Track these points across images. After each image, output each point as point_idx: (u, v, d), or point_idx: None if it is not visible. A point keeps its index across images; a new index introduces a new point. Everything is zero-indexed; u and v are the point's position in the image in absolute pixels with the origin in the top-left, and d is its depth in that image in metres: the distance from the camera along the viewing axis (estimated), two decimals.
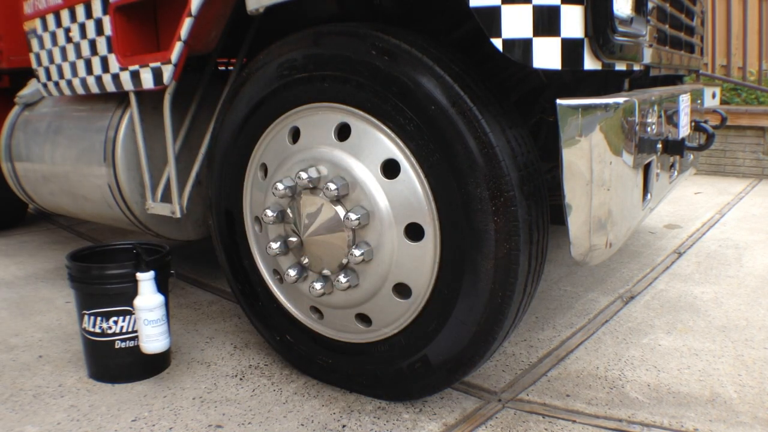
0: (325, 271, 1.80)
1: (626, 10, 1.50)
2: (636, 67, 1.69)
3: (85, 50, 2.51)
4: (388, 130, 1.64)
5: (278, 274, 2.00)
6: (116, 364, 2.07)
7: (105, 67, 2.43)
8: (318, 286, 1.79)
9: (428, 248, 1.65)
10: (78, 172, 2.77)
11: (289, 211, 1.83)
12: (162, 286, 1.97)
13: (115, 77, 2.38)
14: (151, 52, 2.28)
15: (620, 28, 1.46)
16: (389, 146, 1.65)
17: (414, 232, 1.66)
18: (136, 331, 2.02)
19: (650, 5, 1.70)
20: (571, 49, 1.42)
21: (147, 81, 2.24)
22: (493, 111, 1.55)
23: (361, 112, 1.68)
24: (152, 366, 2.14)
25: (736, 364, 2.09)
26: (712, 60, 6.13)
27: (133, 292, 1.93)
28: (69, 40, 2.59)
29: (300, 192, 1.79)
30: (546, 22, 1.40)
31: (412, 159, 1.62)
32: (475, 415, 1.82)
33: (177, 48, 2.05)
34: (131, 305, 1.95)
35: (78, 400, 1.98)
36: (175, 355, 2.27)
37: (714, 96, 2.99)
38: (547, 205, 1.67)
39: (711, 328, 2.39)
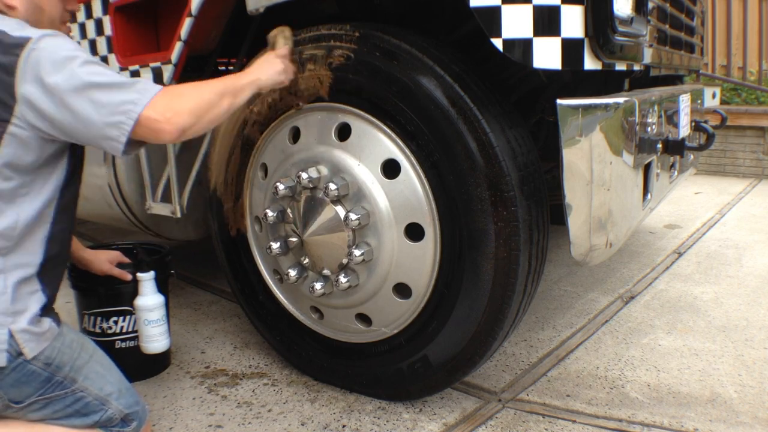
0: (326, 271, 1.80)
1: (626, 10, 1.50)
2: (636, 67, 1.69)
3: (86, 51, 2.50)
4: (389, 130, 1.64)
5: (278, 274, 2.00)
6: (116, 364, 2.07)
7: None
8: (318, 286, 1.79)
9: (428, 248, 1.65)
10: None
11: (289, 211, 1.83)
12: (162, 286, 1.97)
13: None
14: (151, 52, 2.27)
15: (620, 28, 1.46)
16: (389, 146, 1.65)
17: (414, 232, 1.66)
18: (136, 331, 2.02)
19: (650, 5, 1.70)
20: (571, 49, 1.42)
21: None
22: (494, 111, 1.55)
23: (361, 112, 1.68)
24: (152, 366, 2.14)
25: (736, 364, 2.09)
26: (712, 60, 6.13)
27: (133, 292, 1.93)
28: None
29: (300, 192, 1.79)
30: (546, 22, 1.40)
31: (413, 159, 1.62)
32: (475, 415, 1.82)
33: (177, 48, 2.05)
34: (131, 305, 1.95)
35: None
36: (175, 355, 2.27)
37: (714, 96, 2.99)
38: (547, 205, 1.67)
39: (711, 328, 2.39)
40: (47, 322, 1.38)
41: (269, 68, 1.58)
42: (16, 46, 1.26)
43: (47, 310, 1.41)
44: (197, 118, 1.35)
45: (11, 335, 1.29)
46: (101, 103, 1.27)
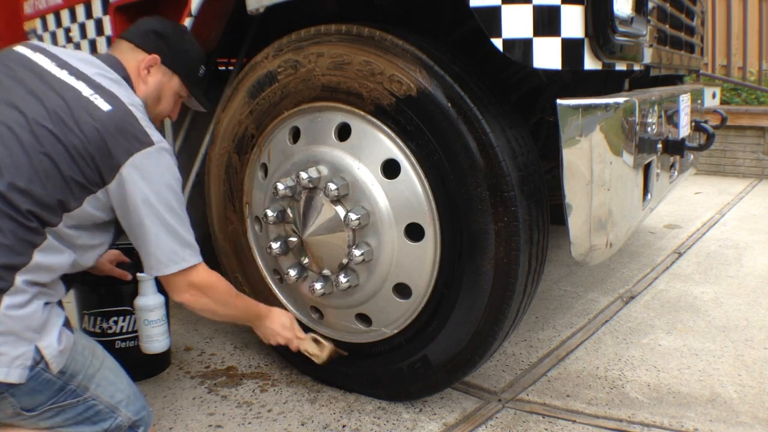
0: (326, 271, 1.80)
1: (626, 10, 1.50)
2: (636, 67, 1.69)
3: (86, 50, 2.50)
4: (389, 130, 1.64)
5: (278, 274, 2.00)
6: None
7: None
8: (318, 286, 1.79)
9: (428, 248, 1.65)
10: None
11: (289, 211, 1.83)
12: (162, 286, 1.97)
13: None
14: None
15: (620, 28, 1.46)
16: (389, 146, 1.65)
17: (414, 232, 1.66)
18: (136, 331, 2.01)
19: (650, 5, 1.70)
20: (571, 49, 1.42)
21: None
22: (493, 111, 1.55)
23: (361, 112, 1.68)
24: (152, 366, 2.14)
25: (736, 364, 2.09)
26: (712, 60, 6.12)
27: (133, 292, 1.93)
28: (69, 40, 2.59)
29: (300, 192, 1.79)
30: (546, 22, 1.40)
31: (413, 159, 1.62)
32: (475, 415, 1.82)
33: None
34: (131, 305, 1.95)
35: None
36: (175, 355, 2.27)
37: (714, 96, 2.98)
38: (547, 205, 1.67)
39: (711, 328, 2.39)
40: (66, 333, 1.39)
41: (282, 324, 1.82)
42: (142, 141, 1.38)
43: (65, 321, 1.42)
44: (209, 308, 1.57)
45: (38, 351, 1.30)
46: (170, 244, 1.43)
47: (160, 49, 1.63)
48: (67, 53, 1.50)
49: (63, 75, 1.40)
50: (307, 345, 1.84)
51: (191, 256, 1.47)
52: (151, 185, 1.39)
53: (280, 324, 1.81)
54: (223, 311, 1.62)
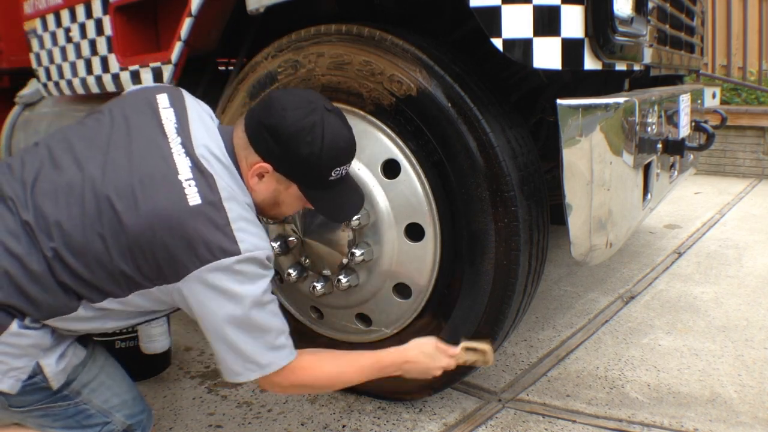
0: (326, 271, 1.80)
1: (626, 10, 1.50)
2: (636, 67, 1.69)
3: (85, 50, 2.51)
4: (389, 130, 1.64)
5: (278, 274, 2.00)
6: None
7: (105, 67, 2.43)
8: (318, 286, 1.79)
9: (428, 248, 1.65)
10: None
11: None
12: None
13: (115, 77, 2.38)
14: (151, 52, 2.27)
15: (620, 28, 1.46)
16: (389, 146, 1.65)
17: (414, 232, 1.66)
18: (136, 331, 2.02)
19: (650, 5, 1.70)
20: (571, 49, 1.42)
21: (147, 81, 2.24)
22: (494, 111, 1.55)
23: (361, 112, 1.68)
24: (152, 366, 2.13)
25: (736, 364, 2.09)
26: (712, 60, 6.12)
27: None
28: (69, 40, 2.59)
29: None
30: (546, 22, 1.40)
31: (413, 159, 1.62)
32: (475, 415, 1.82)
33: (177, 48, 2.05)
34: None
35: None
36: (175, 355, 2.27)
37: (714, 96, 2.98)
38: (547, 205, 1.67)
39: (711, 328, 2.39)
40: (76, 348, 1.36)
41: (425, 364, 1.49)
42: (220, 250, 1.17)
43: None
44: (312, 391, 1.57)
45: (38, 366, 1.27)
46: (232, 362, 1.27)
47: (273, 155, 1.30)
48: (199, 114, 1.35)
49: (174, 143, 1.25)
50: (467, 358, 1.56)
51: (258, 369, 1.28)
52: (216, 305, 1.20)
53: (427, 357, 1.49)
54: (335, 387, 1.50)
